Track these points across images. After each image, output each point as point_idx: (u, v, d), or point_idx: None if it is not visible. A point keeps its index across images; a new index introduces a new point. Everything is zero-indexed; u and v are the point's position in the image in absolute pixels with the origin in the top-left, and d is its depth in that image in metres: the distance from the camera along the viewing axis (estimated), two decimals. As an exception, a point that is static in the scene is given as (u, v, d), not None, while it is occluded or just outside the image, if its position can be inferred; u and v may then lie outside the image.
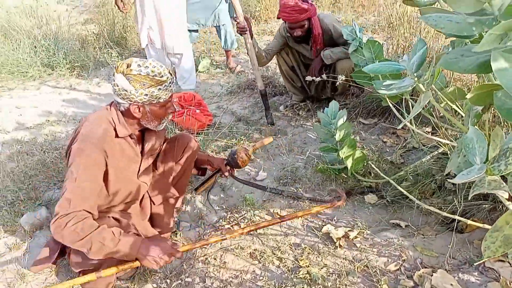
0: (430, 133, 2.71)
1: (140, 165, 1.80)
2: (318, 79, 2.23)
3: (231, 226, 2.17)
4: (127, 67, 1.55)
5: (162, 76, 1.58)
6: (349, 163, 2.25)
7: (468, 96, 1.16)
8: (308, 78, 2.34)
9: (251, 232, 2.10)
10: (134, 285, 1.87)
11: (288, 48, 3.15)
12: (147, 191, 1.92)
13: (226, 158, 2.18)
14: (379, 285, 1.74)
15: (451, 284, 1.70)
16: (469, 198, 0.98)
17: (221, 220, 2.23)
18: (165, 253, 1.57)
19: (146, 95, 1.57)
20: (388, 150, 2.67)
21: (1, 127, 3.57)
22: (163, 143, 1.99)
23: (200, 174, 2.31)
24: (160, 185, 1.94)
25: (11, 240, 2.19)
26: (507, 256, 1.74)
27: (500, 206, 1.88)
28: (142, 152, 1.79)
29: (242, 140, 2.88)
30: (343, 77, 2.11)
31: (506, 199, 1.00)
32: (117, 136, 1.65)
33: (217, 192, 2.45)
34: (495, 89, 1.14)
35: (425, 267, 1.80)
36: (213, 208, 2.26)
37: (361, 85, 2.31)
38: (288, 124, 3.15)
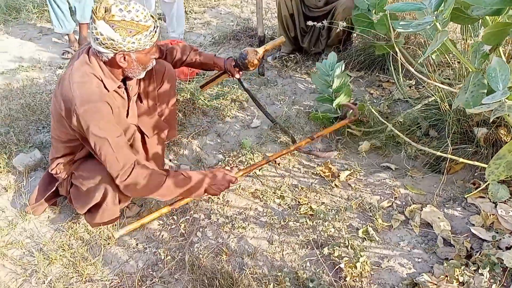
0: (413, 86, 2.86)
1: (128, 108, 1.77)
2: (319, 24, 2.26)
3: (231, 167, 2.23)
4: (106, 12, 1.44)
5: (147, 21, 1.49)
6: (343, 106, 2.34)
7: (482, 33, 1.25)
8: (309, 22, 2.35)
9: (251, 174, 2.18)
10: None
11: None
12: (138, 127, 1.90)
13: (235, 58, 2.06)
14: (375, 218, 1.89)
15: (438, 217, 1.88)
16: (490, 121, 1.10)
17: (220, 162, 2.29)
18: (225, 180, 1.78)
19: (134, 43, 1.48)
20: (375, 101, 2.79)
21: (-30, 71, 3.37)
22: None
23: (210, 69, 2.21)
24: (149, 118, 1.91)
25: (5, 181, 2.14)
26: (487, 193, 1.93)
27: (482, 150, 2.06)
28: (128, 96, 1.76)
29: (234, 88, 2.90)
30: (344, 23, 2.15)
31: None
32: (107, 89, 1.60)
33: (213, 137, 2.49)
34: (508, 28, 1.24)
35: (415, 203, 1.97)
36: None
37: (361, 30, 2.36)
38: (277, 75, 3.19)
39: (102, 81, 1.58)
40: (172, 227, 1.90)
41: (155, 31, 1.56)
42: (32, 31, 4.28)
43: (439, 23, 1.31)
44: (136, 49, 1.53)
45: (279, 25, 3.28)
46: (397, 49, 1.59)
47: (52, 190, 1.84)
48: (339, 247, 1.75)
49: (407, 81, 2.87)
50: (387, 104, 2.68)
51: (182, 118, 2.56)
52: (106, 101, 1.55)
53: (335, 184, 2.11)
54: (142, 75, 1.70)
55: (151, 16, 1.55)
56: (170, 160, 2.27)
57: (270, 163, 2.17)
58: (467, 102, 1.33)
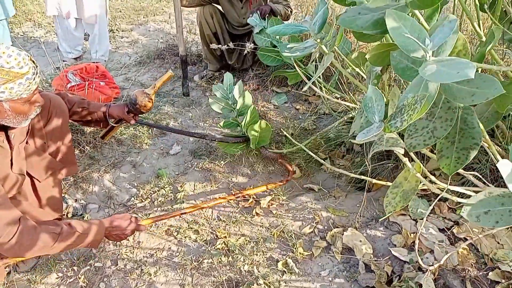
0: (339, 99, 2.80)
1: (11, 158, 1.55)
2: (228, 46, 2.14)
3: (144, 204, 2.06)
4: None
5: (22, 67, 1.31)
6: (253, 137, 2.18)
7: (367, 56, 1.17)
8: (213, 46, 2.23)
9: (166, 209, 2.02)
10: (36, 276, 1.70)
11: (213, 10, 2.98)
12: (27, 173, 1.67)
13: (126, 105, 1.93)
14: (295, 248, 1.78)
15: (360, 241, 1.79)
16: (369, 157, 1.00)
17: (132, 198, 2.10)
18: (128, 229, 1.63)
19: (3, 92, 1.30)
20: (301, 117, 2.71)
21: None
22: None
23: (103, 126, 2.02)
24: (38, 159, 1.69)
25: None
26: (407, 210, 1.88)
27: (402, 164, 2.01)
28: (9, 144, 1.54)
29: (153, 112, 2.72)
30: (251, 45, 2.04)
31: (402, 155, 1.04)
32: None
33: (128, 169, 2.30)
34: (392, 49, 1.16)
35: (337, 227, 1.88)
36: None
37: (267, 64, 2.26)
38: (203, 95, 3.05)
39: None
40: (70, 280, 1.70)
41: (34, 78, 1.35)
42: None
43: (325, 46, 1.22)
44: (7, 98, 1.32)
45: (203, 44, 3.15)
46: (304, 78, 1.49)
47: None
48: (255, 285, 1.62)
49: (331, 94, 2.81)
50: (312, 119, 2.60)
51: (93, 150, 2.36)
52: None
53: (256, 212, 1.99)
54: (25, 124, 1.47)
55: (31, 60, 1.35)
56: (76, 201, 2.06)
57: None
58: (361, 128, 1.24)
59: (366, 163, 1.92)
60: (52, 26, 4.61)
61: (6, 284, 1.66)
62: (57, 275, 1.72)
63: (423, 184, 1.34)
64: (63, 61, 3.70)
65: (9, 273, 1.70)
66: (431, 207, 1.25)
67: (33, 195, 1.71)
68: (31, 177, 1.69)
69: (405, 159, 1.07)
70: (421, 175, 1.19)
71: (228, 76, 2.11)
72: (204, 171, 2.29)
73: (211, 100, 2.16)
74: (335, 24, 1.16)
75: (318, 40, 1.19)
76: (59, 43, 3.73)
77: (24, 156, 1.63)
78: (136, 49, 4.00)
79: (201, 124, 2.70)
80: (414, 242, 1.77)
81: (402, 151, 0.93)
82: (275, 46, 2.23)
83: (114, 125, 1.94)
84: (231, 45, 2.38)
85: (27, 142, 1.65)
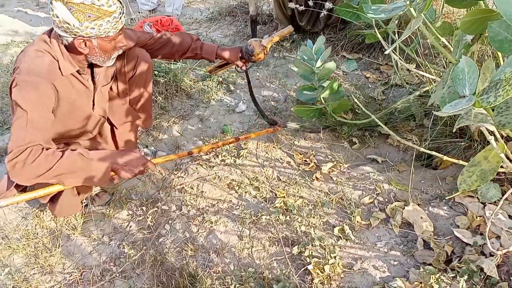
0: (414, 68, 2.66)
1: (94, 98, 1.65)
2: (302, 8, 2.07)
3: (209, 157, 2.14)
4: None
5: (110, 6, 1.38)
6: (330, 106, 2.16)
7: (460, 21, 1.10)
8: (291, 4, 2.17)
9: (229, 163, 2.09)
10: (109, 211, 1.86)
11: None
12: (107, 117, 1.78)
13: (241, 50, 1.93)
14: (353, 216, 1.79)
15: (421, 217, 1.76)
16: (454, 130, 0.96)
17: (198, 150, 2.19)
18: (139, 163, 1.52)
19: (93, 28, 1.38)
20: (370, 86, 2.62)
21: (-38, 46, 3.32)
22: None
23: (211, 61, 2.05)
24: (118, 107, 1.80)
25: (-21, 164, 2.11)
26: (476, 192, 1.80)
27: (475, 144, 1.90)
28: (94, 83, 1.64)
29: (222, 69, 2.77)
30: (331, 5, 1.96)
31: (489, 133, 0.98)
32: (61, 72, 1.47)
33: (195, 122, 2.39)
34: (490, 17, 1.08)
35: (398, 201, 1.85)
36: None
37: (346, 19, 2.17)
38: (271, 55, 3.03)
39: (58, 62, 1.48)
40: (140, 218, 1.84)
41: (120, 18, 1.43)
42: (29, 4, 4.20)
43: (414, 8, 1.16)
44: (96, 35, 1.41)
45: (275, 2, 3.09)
46: (381, 40, 1.43)
47: None
48: (310, 246, 1.66)
49: (407, 64, 2.68)
50: (382, 89, 2.51)
51: (164, 101, 2.46)
52: (51, 83, 1.43)
53: (316, 177, 2.00)
54: (109, 63, 1.57)
55: (119, 1, 1.43)
56: (146, 147, 2.19)
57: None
58: (442, 99, 1.19)
59: (427, 137, 1.83)
60: (130, -23, 4.74)
61: (85, 214, 1.84)
62: (128, 212, 1.87)
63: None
64: (139, 12, 3.82)
65: (86, 205, 1.88)
66: (509, 192, 1.19)
67: (111, 140, 1.85)
68: (111, 124, 1.82)
69: (491, 137, 1.01)
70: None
71: (320, 39, 2.03)
72: (267, 131, 2.32)
73: (296, 60, 2.11)
74: (430, -13, 1.09)
75: (408, 2, 1.13)
76: (136, -5, 3.85)
77: (107, 100, 1.74)
78: (208, 5, 4.03)
79: (267, 85, 2.71)
80: (479, 225, 1.71)
81: (493, 128, 0.88)
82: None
83: (230, 62, 1.97)
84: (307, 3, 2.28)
85: (111, 88, 1.76)
